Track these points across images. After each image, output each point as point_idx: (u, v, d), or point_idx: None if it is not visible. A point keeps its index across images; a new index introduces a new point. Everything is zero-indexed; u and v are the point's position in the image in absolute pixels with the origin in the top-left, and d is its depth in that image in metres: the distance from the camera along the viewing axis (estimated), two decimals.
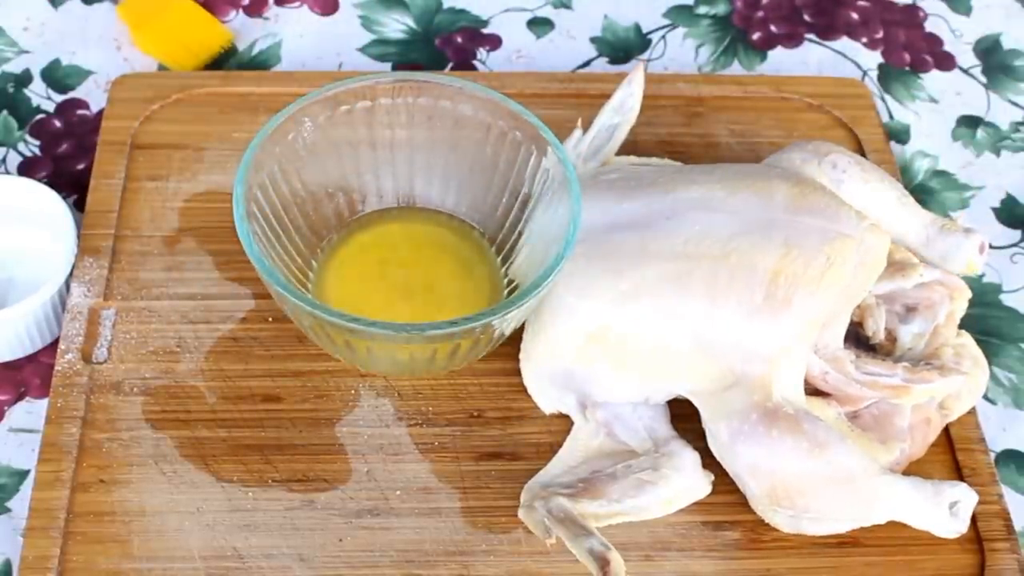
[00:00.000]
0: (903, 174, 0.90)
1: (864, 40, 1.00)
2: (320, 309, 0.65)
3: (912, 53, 0.99)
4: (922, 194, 0.90)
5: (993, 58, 0.99)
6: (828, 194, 0.73)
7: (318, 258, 0.76)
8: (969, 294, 0.75)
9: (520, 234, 0.76)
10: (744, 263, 0.69)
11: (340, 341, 0.67)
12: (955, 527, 0.68)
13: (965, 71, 0.99)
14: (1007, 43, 1.01)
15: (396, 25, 0.97)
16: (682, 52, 0.98)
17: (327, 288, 0.75)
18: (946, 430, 0.75)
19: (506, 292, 0.75)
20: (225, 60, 0.93)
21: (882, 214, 0.75)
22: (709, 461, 0.70)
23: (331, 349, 0.70)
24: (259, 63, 0.94)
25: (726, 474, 0.70)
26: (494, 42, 0.97)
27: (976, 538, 0.71)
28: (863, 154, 0.88)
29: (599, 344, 0.70)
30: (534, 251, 0.73)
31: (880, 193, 0.76)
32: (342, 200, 0.78)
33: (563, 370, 0.72)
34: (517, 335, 0.73)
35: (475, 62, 0.95)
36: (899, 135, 0.93)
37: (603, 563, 0.63)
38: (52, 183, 0.82)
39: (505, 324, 0.68)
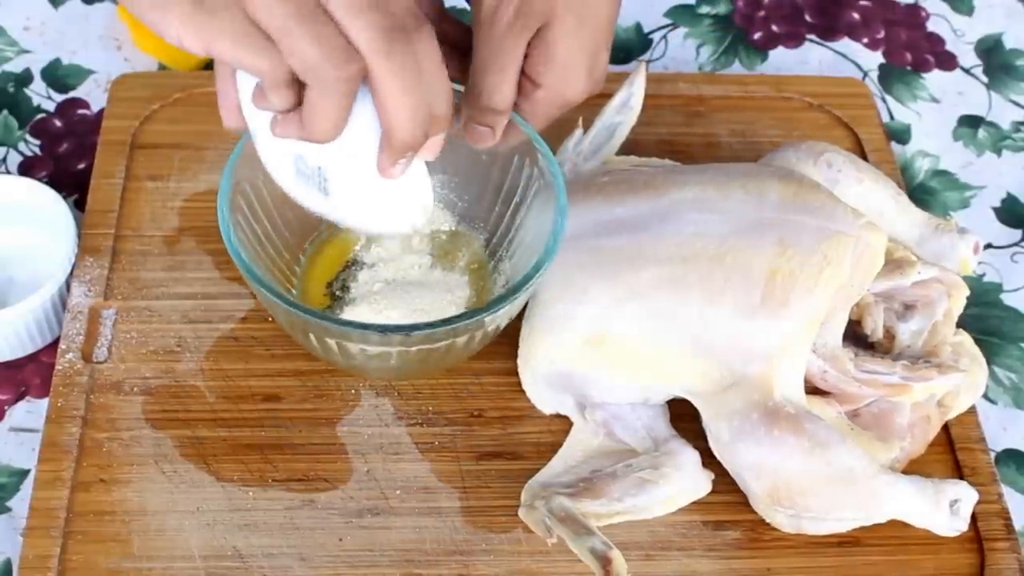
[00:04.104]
0: (904, 174, 0.90)
1: (865, 40, 1.00)
2: (319, 316, 0.64)
3: (913, 53, 0.99)
4: (923, 194, 0.90)
5: (995, 58, 0.99)
6: (823, 192, 0.73)
7: (305, 252, 0.76)
8: (967, 291, 0.75)
9: (512, 237, 0.75)
10: (740, 263, 0.69)
11: (333, 344, 0.66)
12: (955, 525, 0.68)
13: (967, 71, 0.99)
14: (1008, 43, 1.00)
15: None
16: (683, 52, 0.98)
17: (311, 289, 0.75)
18: (946, 429, 0.74)
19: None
20: None
21: (877, 213, 0.75)
22: (709, 461, 0.70)
23: (324, 355, 0.69)
24: None
25: (726, 474, 0.69)
26: None
27: (976, 537, 0.71)
28: (863, 154, 0.88)
29: (597, 348, 0.70)
30: (526, 254, 0.73)
31: (875, 192, 0.76)
32: None
33: (561, 373, 0.72)
34: (517, 335, 0.73)
35: None
36: (900, 135, 0.93)
37: (605, 562, 0.63)
38: (52, 183, 0.82)
39: (498, 319, 0.67)
